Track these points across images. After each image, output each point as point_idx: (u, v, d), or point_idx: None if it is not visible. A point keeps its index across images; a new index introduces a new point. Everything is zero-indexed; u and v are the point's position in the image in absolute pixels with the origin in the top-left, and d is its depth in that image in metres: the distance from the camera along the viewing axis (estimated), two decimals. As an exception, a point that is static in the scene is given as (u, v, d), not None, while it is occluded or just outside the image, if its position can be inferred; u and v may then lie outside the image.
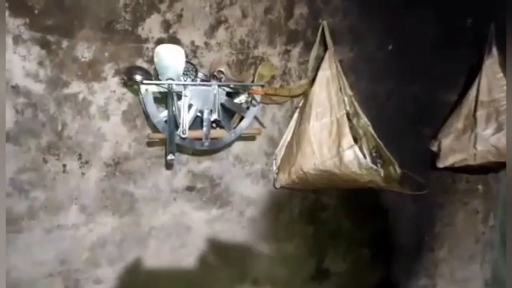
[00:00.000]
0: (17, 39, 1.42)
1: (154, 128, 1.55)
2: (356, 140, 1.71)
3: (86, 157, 1.58)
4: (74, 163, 1.57)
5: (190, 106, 1.54)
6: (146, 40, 1.60)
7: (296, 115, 1.90)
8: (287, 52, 1.87)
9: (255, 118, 1.77)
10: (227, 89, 1.60)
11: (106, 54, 1.55)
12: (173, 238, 1.76)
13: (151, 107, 1.49)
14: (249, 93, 1.62)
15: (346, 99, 1.79)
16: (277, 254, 1.98)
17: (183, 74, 1.52)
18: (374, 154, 1.74)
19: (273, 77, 1.77)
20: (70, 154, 1.56)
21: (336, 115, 1.74)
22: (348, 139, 1.67)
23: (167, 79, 1.48)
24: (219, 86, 1.56)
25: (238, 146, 1.83)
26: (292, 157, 1.81)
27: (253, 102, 1.65)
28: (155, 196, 1.71)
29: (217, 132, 1.64)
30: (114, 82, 1.57)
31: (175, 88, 1.50)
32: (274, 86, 1.81)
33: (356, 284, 2.16)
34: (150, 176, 1.69)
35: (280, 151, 1.90)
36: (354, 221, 2.10)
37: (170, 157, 1.54)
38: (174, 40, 1.65)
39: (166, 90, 1.48)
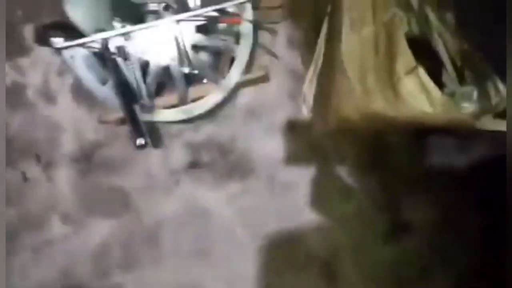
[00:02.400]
0: None
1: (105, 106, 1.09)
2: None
3: (46, 157, 1.21)
4: (33, 168, 1.21)
5: (145, 63, 1.03)
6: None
7: (324, 28, 1.25)
8: None
9: (261, 47, 1.19)
10: (196, 21, 1.02)
11: (20, 12, 1.08)
12: (189, 229, 1.38)
13: (88, 78, 1.01)
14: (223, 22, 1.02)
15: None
16: (335, 219, 1.50)
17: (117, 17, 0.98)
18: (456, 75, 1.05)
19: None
20: (25, 158, 1.20)
21: (381, 18, 1.06)
22: (406, 57, 1.01)
23: (94, 32, 0.97)
24: (179, 21, 1.00)
25: (247, 95, 1.29)
26: (325, 96, 1.22)
27: (243, 29, 1.06)
28: (151, 183, 1.31)
29: (199, 90, 1.12)
30: (44, 49, 1.11)
31: (113, 42, 0.98)
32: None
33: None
34: (136, 161, 1.28)
35: (310, 87, 1.31)
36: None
37: (139, 141, 1.08)
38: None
39: (98, 50, 0.97)
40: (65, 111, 1.18)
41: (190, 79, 1.10)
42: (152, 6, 1.01)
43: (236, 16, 1.01)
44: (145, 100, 1.02)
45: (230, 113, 1.30)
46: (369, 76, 1.08)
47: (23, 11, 1.07)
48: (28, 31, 1.08)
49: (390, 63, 1.04)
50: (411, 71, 0.99)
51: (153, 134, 1.20)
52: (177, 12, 1.00)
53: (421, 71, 0.98)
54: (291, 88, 1.32)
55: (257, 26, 1.18)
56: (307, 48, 1.31)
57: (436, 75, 1.02)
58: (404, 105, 1.01)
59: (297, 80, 1.31)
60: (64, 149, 1.21)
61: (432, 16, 1.09)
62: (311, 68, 1.29)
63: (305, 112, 1.33)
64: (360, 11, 1.10)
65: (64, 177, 1.24)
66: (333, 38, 1.16)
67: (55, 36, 0.96)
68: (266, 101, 1.31)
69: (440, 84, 1.03)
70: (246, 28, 1.05)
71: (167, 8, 1.00)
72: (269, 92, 1.30)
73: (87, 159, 1.23)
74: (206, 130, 1.30)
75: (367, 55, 1.09)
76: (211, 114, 1.24)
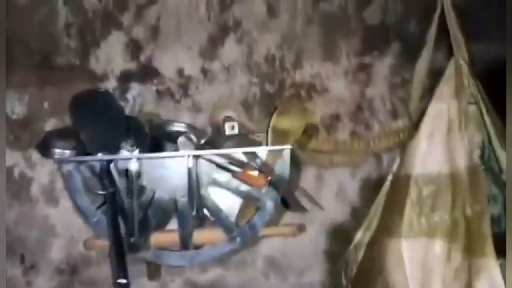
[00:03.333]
0: None
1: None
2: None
3: (30, 259, 1.06)
4: (16, 268, 1.06)
5: (143, 189, 0.85)
6: (104, 77, 0.98)
7: (386, 188, 0.99)
8: (363, 68, 0.99)
9: (301, 192, 0.97)
10: (217, 161, 0.84)
11: (46, 105, 1.00)
12: None
13: (81, 198, 0.86)
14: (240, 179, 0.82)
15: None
16: None
17: (133, 139, 0.83)
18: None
19: (310, 131, 0.91)
20: (10, 254, 1.06)
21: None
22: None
23: (100, 151, 0.82)
24: (196, 157, 0.82)
25: (272, 243, 1.04)
26: (371, 274, 0.93)
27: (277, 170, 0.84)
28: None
29: (208, 234, 0.90)
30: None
31: (117, 167, 0.83)
32: (329, 138, 0.96)
33: None
34: (126, 290, 1.07)
35: (354, 253, 1.03)
36: None
37: (120, 281, 0.88)
38: (148, 70, 0.98)
39: (99, 171, 0.82)
40: (64, 215, 1.04)
41: (201, 220, 0.90)
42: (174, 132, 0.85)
43: (263, 173, 0.80)
44: (136, 237, 0.84)
45: (247, 259, 1.06)
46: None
47: (50, 104, 0.99)
48: (50, 126, 1.00)
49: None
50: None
51: (151, 264, 1.00)
52: (199, 142, 0.83)
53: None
54: (330, 248, 1.05)
55: (298, 166, 0.97)
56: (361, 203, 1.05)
57: None
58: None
59: (339, 240, 1.04)
60: (52, 255, 1.05)
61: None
62: (360, 231, 1.02)
63: (344, 281, 1.03)
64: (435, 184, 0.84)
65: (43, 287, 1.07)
66: (394, 215, 0.90)
67: (58, 145, 0.84)
68: (294, 255, 1.05)
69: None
70: (280, 168, 0.84)
71: (188, 137, 0.83)
72: (301, 245, 1.05)
73: (72, 272, 1.05)
74: (215, 272, 1.06)
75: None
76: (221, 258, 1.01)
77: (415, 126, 0.95)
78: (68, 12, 0.98)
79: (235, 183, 0.85)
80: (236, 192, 0.86)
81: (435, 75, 0.98)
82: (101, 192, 0.83)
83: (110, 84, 0.98)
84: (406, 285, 0.79)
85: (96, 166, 0.83)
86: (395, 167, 0.98)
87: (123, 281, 0.87)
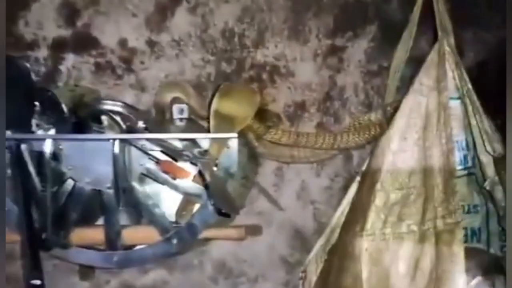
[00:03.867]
0: None
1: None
2: None
3: None
4: None
5: (64, 178, 0.72)
6: (34, 45, 0.84)
7: (353, 190, 0.87)
8: (334, 51, 0.86)
9: (257, 189, 0.85)
10: (147, 147, 0.71)
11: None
12: None
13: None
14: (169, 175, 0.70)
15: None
16: None
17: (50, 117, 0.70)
18: None
19: (270, 120, 0.79)
20: None
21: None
22: None
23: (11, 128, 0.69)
24: (123, 142, 0.69)
25: (223, 245, 0.92)
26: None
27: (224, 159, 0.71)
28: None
29: (139, 231, 0.77)
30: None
31: (30, 148, 0.70)
32: (295, 131, 0.83)
33: None
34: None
35: (316, 261, 0.90)
36: None
37: (34, 282, 0.75)
38: (85, 39, 0.84)
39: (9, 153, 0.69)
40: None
41: (135, 216, 0.78)
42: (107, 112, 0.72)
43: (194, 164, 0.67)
44: (49, 232, 0.71)
45: (194, 262, 0.93)
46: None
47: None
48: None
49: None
50: None
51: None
52: (128, 127, 0.70)
53: None
54: (289, 253, 0.92)
55: (252, 158, 0.84)
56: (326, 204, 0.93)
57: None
58: None
59: (300, 240, 0.92)
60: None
61: None
62: (322, 237, 0.89)
63: (301, 288, 0.92)
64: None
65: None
66: (356, 212, 0.77)
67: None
68: (248, 261, 0.92)
69: None
70: (226, 160, 0.71)
71: (112, 118, 0.69)
72: (256, 249, 0.92)
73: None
74: (157, 274, 0.94)
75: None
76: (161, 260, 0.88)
77: (389, 120, 0.83)
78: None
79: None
80: (172, 186, 0.73)
81: (415, 64, 0.85)
82: (9, 176, 0.70)
83: (42, 53, 0.84)
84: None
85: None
86: (364, 166, 0.86)
87: (37, 282, 0.75)
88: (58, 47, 0.84)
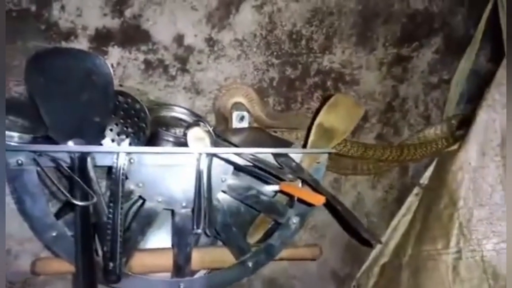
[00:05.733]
0: None
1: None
2: None
3: None
4: None
5: (129, 195, 0.62)
6: (71, 35, 0.71)
7: (409, 203, 0.86)
8: (401, 60, 0.83)
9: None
10: (236, 160, 0.63)
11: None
12: None
13: (35, 203, 0.59)
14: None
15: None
16: None
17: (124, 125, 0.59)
18: None
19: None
20: None
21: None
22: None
23: (69, 138, 0.57)
24: (208, 155, 0.60)
25: (271, 262, 0.86)
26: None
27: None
28: None
29: (216, 252, 0.69)
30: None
31: (97, 160, 0.58)
32: (363, 143, 0.80)
33: None
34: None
35: (367, 274, 0.88)
36: None
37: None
38: (134, 32, 0.73)
39: (66, 168, 0.57)
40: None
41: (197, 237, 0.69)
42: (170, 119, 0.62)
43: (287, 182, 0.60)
44: (117, 262, 0.60)
45: (243, 280, 0.86)
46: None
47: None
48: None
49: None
50: None
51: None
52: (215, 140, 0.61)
53: None
54: (339, 266, 0.89)
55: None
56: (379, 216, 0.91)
57: None
58: None
59: (349, 258, 0.89)
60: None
61: None
62: (375, 251, 0.87)
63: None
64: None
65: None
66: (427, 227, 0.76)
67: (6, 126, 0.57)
68: (298, 277, 0.87)
69: None
70: (315, 173, 0.65)
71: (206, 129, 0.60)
72: (306, 265, 0.88)
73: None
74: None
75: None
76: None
77: (452, 135, 0.83)
78: None
79: (254, 191, 0.65)
80: (255, 203, 0.66)
81: (474, 78, 0.86)
82: (69, 196, 0.57)
83: (80, 45, 0.71)
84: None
85: (63, 159, 0.57)
86: (424, 179, 0.85)
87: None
88: (101, 39, 0.72)
